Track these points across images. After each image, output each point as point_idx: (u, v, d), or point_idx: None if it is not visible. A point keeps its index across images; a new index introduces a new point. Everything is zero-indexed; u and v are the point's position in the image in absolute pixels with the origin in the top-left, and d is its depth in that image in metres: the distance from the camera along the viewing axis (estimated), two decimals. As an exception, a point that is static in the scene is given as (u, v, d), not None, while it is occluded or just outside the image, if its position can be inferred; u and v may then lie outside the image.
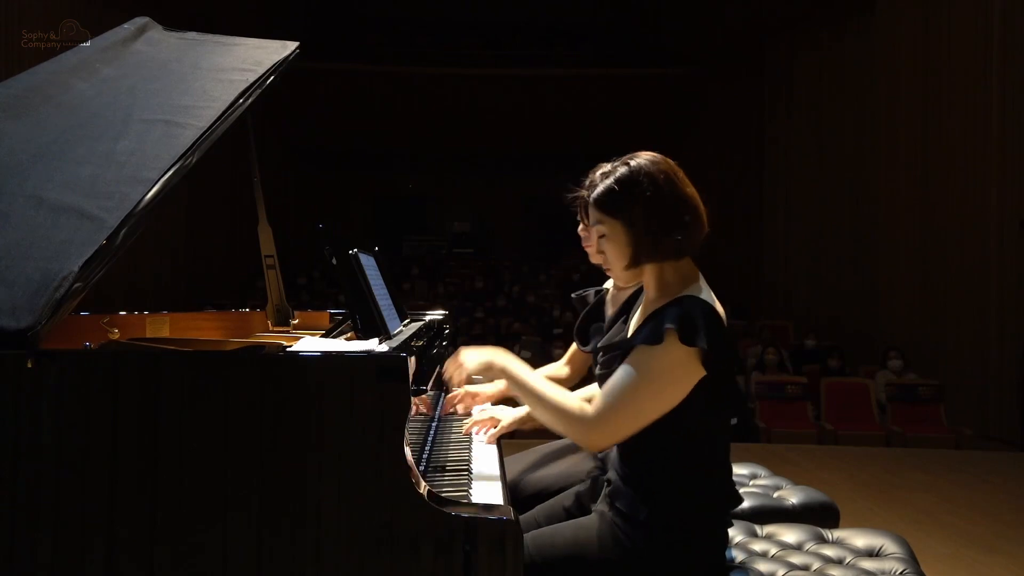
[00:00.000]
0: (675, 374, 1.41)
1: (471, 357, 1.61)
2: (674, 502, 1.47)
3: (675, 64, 14.45)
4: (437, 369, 1.81)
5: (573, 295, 2.29)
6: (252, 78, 1.83)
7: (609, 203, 1.50)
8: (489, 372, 1.61)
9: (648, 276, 1.55)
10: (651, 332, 1.42)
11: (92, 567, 1.23)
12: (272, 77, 1.89)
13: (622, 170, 1.50)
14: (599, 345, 1.68)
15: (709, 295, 1.48)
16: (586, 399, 1.75)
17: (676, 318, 1.39)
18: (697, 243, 1.51)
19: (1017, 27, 6.98)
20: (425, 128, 15.51)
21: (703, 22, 13.67)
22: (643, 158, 1.51)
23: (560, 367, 2.27)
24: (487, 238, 17.95)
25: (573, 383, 2.28)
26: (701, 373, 1.41)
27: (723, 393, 1.46)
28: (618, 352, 1.52)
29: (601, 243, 1.56)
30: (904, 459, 5.46)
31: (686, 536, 1.47)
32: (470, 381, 1.86)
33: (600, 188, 1.52)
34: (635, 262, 1.51)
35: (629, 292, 1.75)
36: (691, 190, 1.51)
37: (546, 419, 1.53)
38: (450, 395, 2.05)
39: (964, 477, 4.87)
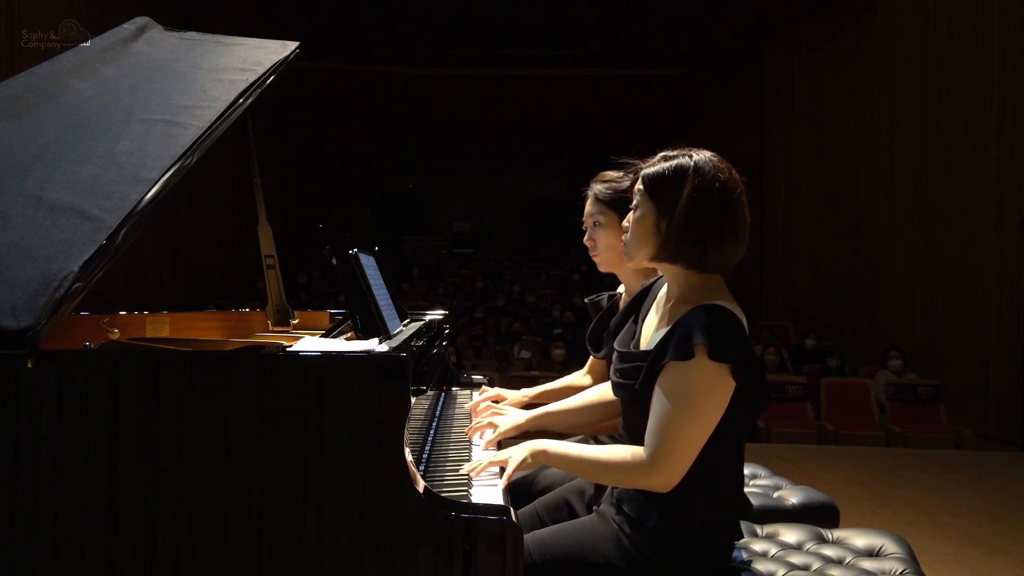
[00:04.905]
0: (711, 393, 1.37)
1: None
2: (685, 510, 1.44)
3: (675, 64, 14.46)
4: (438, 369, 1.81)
5: (587, 299, 2.28)
6: (252, 78, 1.83)
7: (654, 184, 1.45)
8: (533, 462, 1.56)
9: (670, 272, 1.50)
10: (680, 347, 1.37)
11: (92, 568, 1.23)
12: (272, 77, 1.89)
13: (683, 159, 1.45)
14: (614, 345, 1.65)
15: (732, 304, 1.44)
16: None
17: (704, 331, 1.35)
18: (727, 264, 1.44)
19: (1017, 27, 6.97)
20: (425, 128, 15.52)
21: (703, 22, 13.67)
22: (706, 156, 1.45)
23: (581, 376, 2.26)
24: (487, 238, 17.97)
25: None
26: (733, 386, 1.39)
27: (750, 400, 1.43)
28: (640, 363, 1.46)
29: (631, 216, 1.51)
30: (904, 459, 5.45)
31: (693, 545, 1.45)
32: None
33: (655, 167, 1.47)
34: (657, 257, 1.46)
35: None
36: (743, 212, 1.44)
37: (608, 480, 1.51)
38: (474, 425, 1.91)
39: (964, 477, 4.87)
